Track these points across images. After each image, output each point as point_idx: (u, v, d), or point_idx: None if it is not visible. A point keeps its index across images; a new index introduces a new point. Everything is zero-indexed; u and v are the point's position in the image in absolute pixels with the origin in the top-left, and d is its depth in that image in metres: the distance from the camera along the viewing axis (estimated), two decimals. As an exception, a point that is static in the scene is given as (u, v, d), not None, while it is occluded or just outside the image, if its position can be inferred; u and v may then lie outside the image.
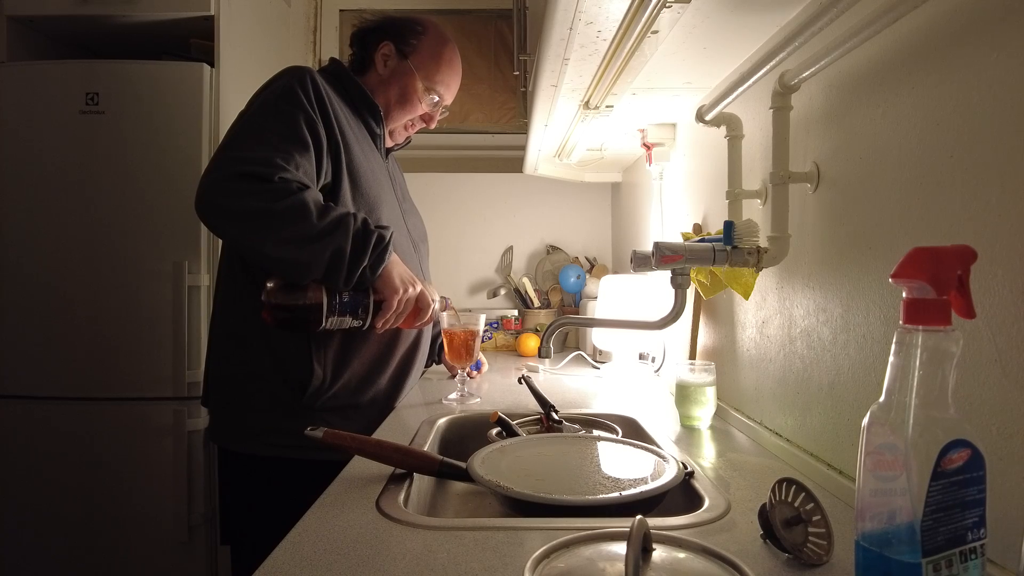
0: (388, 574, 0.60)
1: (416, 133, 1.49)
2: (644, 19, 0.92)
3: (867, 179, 0.80)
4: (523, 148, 2.12)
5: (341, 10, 2.71)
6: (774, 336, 1.06)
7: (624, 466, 0.89)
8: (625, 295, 1.81)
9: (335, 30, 2.70)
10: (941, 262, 0.47)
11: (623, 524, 0.57)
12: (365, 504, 0.77)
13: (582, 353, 2.08)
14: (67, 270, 1.89)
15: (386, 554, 0.64)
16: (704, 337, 1.44)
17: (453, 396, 1.43)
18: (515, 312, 2.44)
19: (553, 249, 2.65)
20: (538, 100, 1.46)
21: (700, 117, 1.14)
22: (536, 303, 2.50)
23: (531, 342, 2.25)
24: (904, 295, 0.48)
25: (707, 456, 1.02)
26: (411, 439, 1.10)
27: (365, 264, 1.11)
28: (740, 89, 1.01)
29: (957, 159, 0.64)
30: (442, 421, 1.23)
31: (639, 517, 0.54)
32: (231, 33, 2.02)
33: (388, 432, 1.16)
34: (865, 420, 0.49)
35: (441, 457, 0.87)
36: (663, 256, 1.07)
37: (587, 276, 2.47)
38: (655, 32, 0.97)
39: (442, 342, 1.51)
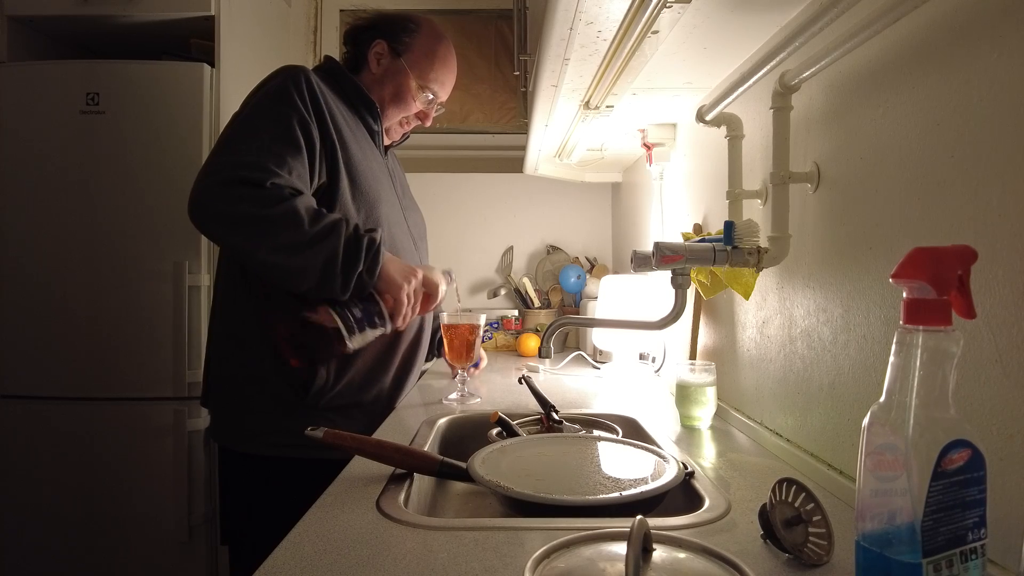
0: (388, 574, 0.60)
1: (414, 132, 1.49)
2: (644, 19, 0.92)
3: (867, 179, 0.80)
4: (523, 148, 2.12)
5: (341, 10, 2.71)
6: (774, 336, 1.06)
7: (624, 466, 0.89)
8: (625, 295, 1.81)
9: (335, 30, 2.70)
10: (941, 262, 0.47)
11: (623, 524, 0.57)
12: (365, 504, 0.77)
13: (582, 353, 2.08)
14: (67, 270, 1.89)
15: (386, 554, 0.64)
16: (704, 337, 1.44)
17: (453, 396, 1.43)
18: (515, 312, 2.44)
19: (553, 249, 2.65)
20: (538, 100, 1.46)
21: (700, 117, 1.14)
22: (536, 303, 2.50)
23: (531, 342, 2.25)
24: (904, 295, 0.48)
25: (707, 456, 1.02)
26: (411, 439, 1.10)
27: (360, 270, 1.11)
28: (740, 89, 1.01)
29: (957, 159, 0.64)
30: (442, 421, 1.23)
31: (639, 517, 0.54)
32: (231, 33, 2.02)
33: (388, 432, 1.16)
34: (865, 420, 0.49)
35: (441, 457, 0.87)
36: (663, 256, 1.07)
37: (587, 276, 2.47)
38: (655, 32, 0.97)
39: (442, 337, 1.51)
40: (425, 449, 0.99)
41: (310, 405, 1.19)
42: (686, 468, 0.85)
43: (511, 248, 2.65)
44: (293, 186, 1.09)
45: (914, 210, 0.71)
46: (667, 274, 1.17)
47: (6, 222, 1.90)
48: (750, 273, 1.10)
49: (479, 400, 1.42)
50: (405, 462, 0.87)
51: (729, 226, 1.04)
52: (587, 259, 2.62)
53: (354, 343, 1.13)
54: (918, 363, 0.46)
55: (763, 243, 1.02)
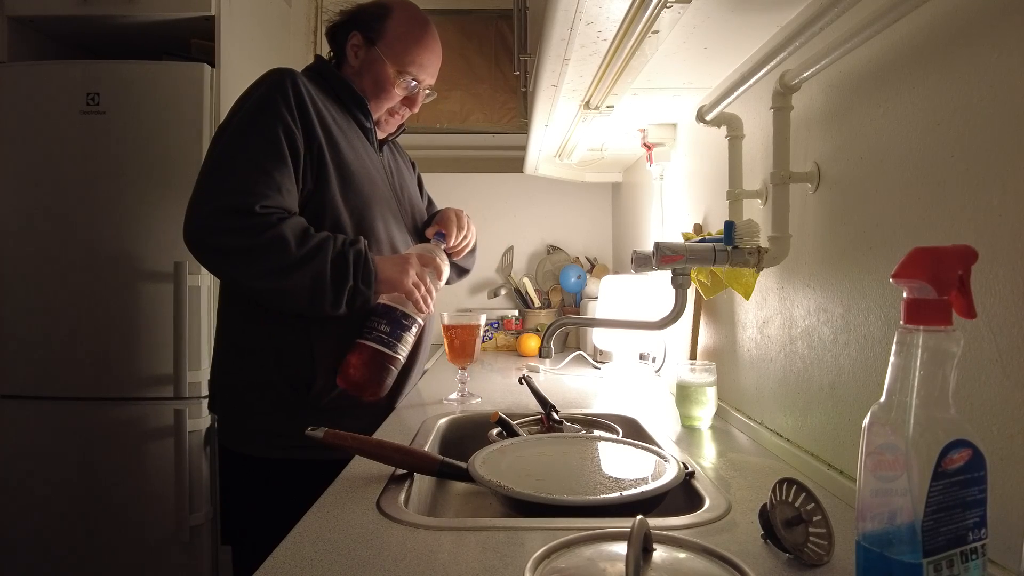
0: (388, 574, 0.60)
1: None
2: (645, 19, 0.92)
3: (868, 179, 0.80)
4: (524, 148, 2.12)
5: (341, 10, 2.70)
6: (775, 336, 1.06)
7: (625, 466, 0.89)
8: (626, 295, 1.81)
9: (336, 30, 2.69)
10: (942, 262, 0.47)
11: (624, 524, 0.57)
12: (366, 504, 0.77)
13: (583, 353, 2.08)
14: (67, 270, 1.89)
15: (386, 554, 0.64)
16: (705, 337, 1.44)
17: (453, 396, 1.43)
18: (515, 312, 2.44)
19: (554, 249, 2.65)
20: (539, 100, 1.46)
21: (701, 117, 1.14)
22: (536, 303, 2.50)
23: (532, 342, 2.25)
24: (905, 295, 0.48)
25: (708, 456, 1.02)
26: (411, 439, 1.10)
27: (351, 284, 1.12)
28: (741, 89, 1.01)
29: (958, 159, 0.64)
30: (442, 421, 1.23)
31: (640, 517, 0.54)
32: (231, 33, 2.01)
33: (388, 432, 1.16)
34: (866, 420, 0.49)
35: (442, 457, 0.87)
36: (664, 256, 1.07)
37: (588, 276, 2.47)
38: (656, 32, 0.97)
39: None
40: (425, 449, 0.99)
41: (311, 406, 1.19)
42: (686, 468, 0.85)
43: (511, 248, 2.65)
44: (282, 207, 1.11)
45: (914, 210, 0.71)
46: (667, 274, 1.17)
47: (6, 222, 1.90)
48: (750, 273, 1.10)
49: (479, 400, 1.42)
50: (405, 462, 0.87)
51: (729, 226, 1.04)
52: (587, 259, 2.62)
53: (401, 352, 1.21)
54: (918, 363, 0.46)
55: (763, 243, 1.02)
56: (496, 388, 1.60)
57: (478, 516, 0.95)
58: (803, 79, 0.88)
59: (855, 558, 0.50)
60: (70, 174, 1.89)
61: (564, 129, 1.72)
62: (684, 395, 1.18)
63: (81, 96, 1.89)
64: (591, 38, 1.07)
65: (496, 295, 2.63)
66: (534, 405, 1.25)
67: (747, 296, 1.13)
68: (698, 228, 1.45)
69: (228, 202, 1.08)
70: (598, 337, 1.91)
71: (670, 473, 0.83)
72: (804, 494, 0.63)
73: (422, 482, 0.92)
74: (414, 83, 1.33)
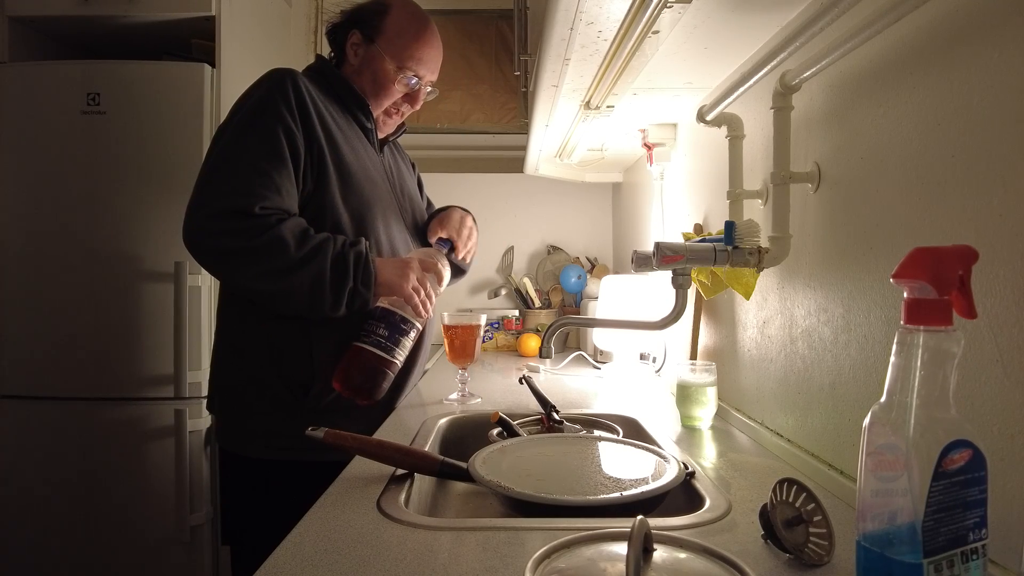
0: (389, 574, 0.60)
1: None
2: (645, 19, 0.92)
3: (868, 179, 0.80)
4: (524, 148, 2.12)
5: (342, 10, 2.71)
6: (775, 336, 1.06)
7: (625, 466, 0.89)
8: (626, 295, 1.81)
9: (336, 30, 2.69)
10: (942, 262, 0.47)
11: (624, 524, 0.57)
12: (366, 504, 0.77)
13: (583, 353, 2.07)
14: (67, 270, 1.89)
15: (387, 554, 0.64)
16: (705, 337, 1.44)
17: (453, 396, 1.43)
18: (516, 312, 2.44)
19: (554, 249, 2.65)
20: (539, 100, 1.46)
21: (701, 117, 1.14)
22: (537, 303, 2.50)
23: (532, 342, 2.25)
24: (905, 295, 0.48)
25: (708, 456, 1.02)
26: (412, 439, 1.10)
27: (351, 285, 1.12)
28: (741, 89, 1.01)
29: (958, 159, 0.64)
30: (443, 421, 1.23)
31: (640, 517, 0.54)
32: (232, 33, 2.02)
33: (389, 432, 1.16)
34: (866, 420, 0.49)
35: (442, 457, 0.87)
36: (664, 256, 1.07)
37: (588, 276, 2.47)
38: (656, 32, 0.97)
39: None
40: (426, 449, 0.99)
41: (310, 407, 1.19)
42: (687, 468, 0.85)
43: (511, 248, 2.65)
44: (281, 208, 1.11)
45: (915, 210, 0.71)
46: (668, 274, 1.17)
47: (6, 222, 1.90)
48: (751, 273, 1.10)
49: (479, 400, 1.42)
50: (406, 462, 0.87)
51: (730, 226, 1.04)
52: (588, 259, 2.62)
53: (399, 357, 1.20)
54: (919, 363, 0.46)
55: (764, 243, 1.02)
56: (496, 388, 1.60)
57: (478, 516, 0.95)
58: (803, 79, 0.88)
59: (855, 558, 0.50)
60: (70, 174, 1.89)
61: (564, 129, 1.72)
62: (684, 395, 1.18)
63: (81, 96, 1.89)
64: (591, 38, 1.07)
65: (496, 295, 2.63)
66: (534, 405, 1.25)
67: (747, 296, 1.13)
68: (698, 228, 1.45)
69: (227, 204, 1.08)
70: (598, 337, 1.91)
71: (670, 473, 0.83)
72: (804, 494, 0.63)
73: (422, 482, 0.92)
74: (415, 79, 1.32)
